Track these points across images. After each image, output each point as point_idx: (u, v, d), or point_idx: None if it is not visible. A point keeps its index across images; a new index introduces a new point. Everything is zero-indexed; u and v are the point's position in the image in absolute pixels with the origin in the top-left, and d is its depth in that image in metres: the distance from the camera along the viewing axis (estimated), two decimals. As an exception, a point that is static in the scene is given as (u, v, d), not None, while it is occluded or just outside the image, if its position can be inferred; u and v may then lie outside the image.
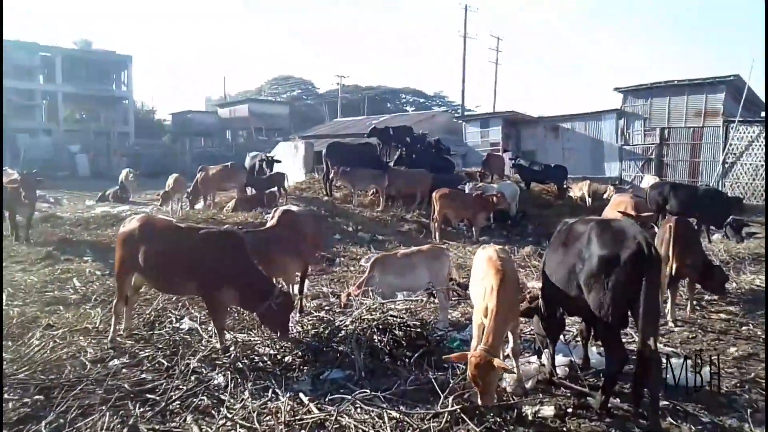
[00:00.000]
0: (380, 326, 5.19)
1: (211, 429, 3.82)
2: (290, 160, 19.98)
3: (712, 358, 5.42)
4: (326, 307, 6.88)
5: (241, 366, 4.83)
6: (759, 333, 6.31)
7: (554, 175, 19.95)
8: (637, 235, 3.87)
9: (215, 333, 5.43)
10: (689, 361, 4.74)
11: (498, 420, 3.88)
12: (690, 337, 6.18)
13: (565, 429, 3.80)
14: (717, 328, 6.53)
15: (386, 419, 3.80)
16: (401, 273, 6.24)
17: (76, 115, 47.82)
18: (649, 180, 19.95)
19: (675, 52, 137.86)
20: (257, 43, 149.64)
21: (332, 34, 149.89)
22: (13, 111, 37.45)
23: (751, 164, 22.84)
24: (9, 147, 31.82)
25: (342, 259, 10.60)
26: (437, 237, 12.82)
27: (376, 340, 5.06)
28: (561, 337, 5.23)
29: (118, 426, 3.87)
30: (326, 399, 4.17)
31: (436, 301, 6.62)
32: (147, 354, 5.34)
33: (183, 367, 4.86)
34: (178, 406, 4.22)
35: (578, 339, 5.32)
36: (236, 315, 6.31)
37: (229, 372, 4.69)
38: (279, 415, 3.91)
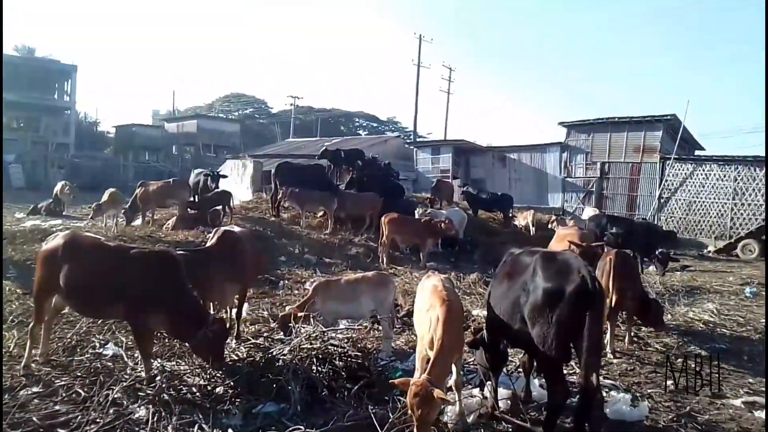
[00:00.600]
0: (320, 356, 4.97)
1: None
2: (238, 179, 19.51)
3: (647, 390, 5.53)
4: (265, 333, 6.57)
5: (166, 398, 4.47)
6: (693, 365, 6.46)
7: (501, 203, 20.37)
8: (581, 269, 3.86)
9: (141, 360, 5.05)
10: (628, 396, 4.75)
11: (438, 458, 3.73)
12: (629, 369, 6.26)
13: (505, 466, 3.68)
14: (654, 360, 6.64)
15: (321, 458, 3.58)
16: (345, 299, 6.05)
17: (13, 123, 45.36)
18: (589, 212, 20.70)
19: (617, 89, 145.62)
20: (210, 59, 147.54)
21: (287, 54, 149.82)
22: (-58, 118, 35.11)
23: (684, 200, 24.07)
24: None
25: (286, 282, 10.29)
26: (385, 261, 12.71)
27: (314, 371, 4.83)
28: (505, 368, 5.17)
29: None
30: (257, 435, 3.90)
31: (380, 329, 6.45)
32: (63, 383, 4.90)
33: (102, 398, 4.45)
34: (92, 442, 3.84)
35: (520, 371, 5.26)
36: (166, 341, 5.92)
37: (152, 405, 4.33)
38: (204, 453, 3.62)
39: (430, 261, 13.37)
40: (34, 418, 4.16)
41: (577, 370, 4.33)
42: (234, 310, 6.64)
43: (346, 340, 5.43)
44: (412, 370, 5.00)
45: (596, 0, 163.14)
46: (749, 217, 22.24)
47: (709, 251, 20.93)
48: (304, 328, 5.42)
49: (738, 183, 22.70)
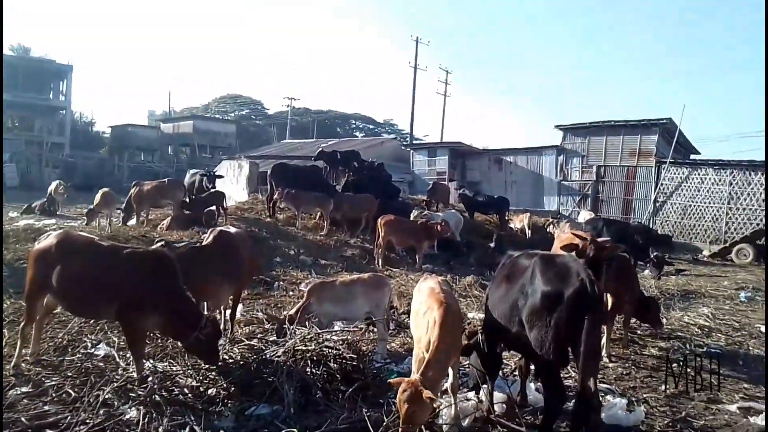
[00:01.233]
0: (314, 358, 4.91)
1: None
2: (233, 179, 19.44)
3: (643, 395, 5.50)
4: (259, 335, 6.51)
5: (157, 399, 4.40)
6: (688, 370, 6.44)
7: (497, 206, 20.37)
8: (580, 272, 3.82)
9: (133, 361, 4.98)
10: (624, 400, 4.71)
11: (433, 461, 3.68)
12: (624, 373, 6.23)
13: (501, 471, 3.64)
14: (649, 364, 6.62)
15: (314, 461, 3.53)
16: (339, 301, 6.00)
17: (8, 122, 45.13)
18: (585, 215, 20.71)
19: (615, 93, 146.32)
20: (207, 59, 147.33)
21: (285, 55, 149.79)
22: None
23: (680, 204, 24.15)
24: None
25: (281, 283, 10.23)
26: (380, 263, 12.66)
27: (308, 373, 4.77)
28: (499, 372, 5.13)
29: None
30: (249, 438, 3.84)
31: (375, 331, 6.40)
32: (53, 383, 4.81)
33: (92, 399, 4.38)
34: (81, 443, 3.77)
35: (516, 374, 5.22)
36: (159, 341, 5.85)
37: (142, 406, 4.26)
38: (195, 456, 3.55)
39: (426, 263, 13.33)
40: (23, 419, 4.08)
41: (575, 375, 4.29)
42: (228, 311, 6.57)
43: (341, 342, 5.37)
44: (407, 373, 4.94)
45: (594, 4, 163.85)
46: (744, 222, 22.33)
47: (704, 255, 20.98)
48: (298, 330, 5.35)
49: (733, 187, 22.79)
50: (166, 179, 15.13)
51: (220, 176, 17.40)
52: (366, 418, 4.04)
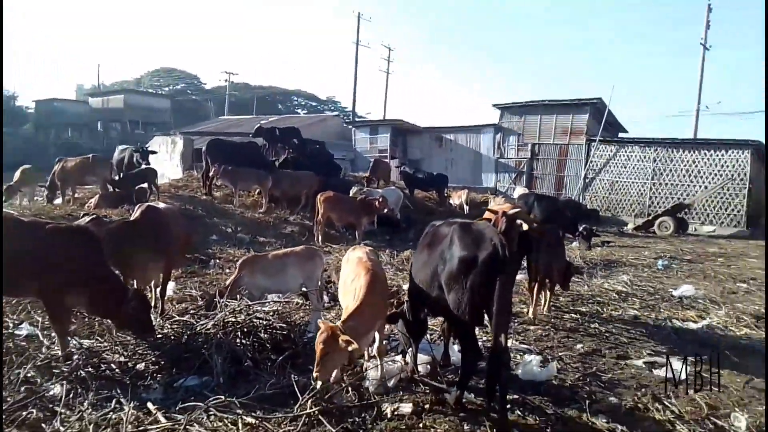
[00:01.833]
0: (244, 329, 4.98)
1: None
2: (167, 156, 18.83)
3: (559, 354, 5.91)
4: (192, 311, 6.49)
5: (83, 374, 4.37)
6: (603, 330, 6.94)
7: (436, 183, 20.80)
8: (493, 238, 4.06)
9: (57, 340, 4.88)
10: (539, 357, 5.06)
11: (356, 419, 3.87)
12: (544, 335, 6.64)
13: (421, 425, 3.86)
14: (568, 326, 7.08)
15: (241, 425, 3.63)
16: (271, 274, 6.06)
17: None
18: (519, 191, 21.47)
19: (549, 73, 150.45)
20: (138, 31, 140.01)
21: (222, 28, 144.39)
22: None
23: (608, 180, 25.40)
24: None
25: (218, 261, 10.13)
26: (320, 240, 12.73)
27: (238, 344, 4.84)
28: (428, 336, 5.39)
29: None
30: (177, 407, 3.89)
31: (309, 304, 6.51)
32: (-29, 364, 4.66)
33: (13, 377, 4.30)
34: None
35: (442, 339, 5.49)
36: (86, 319, 5.74)
37: (67, 382, 4.21)
38: (120, 426, 3.58)
39: (366, 239, 13.50)
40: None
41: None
42: (158, 289, 6.50)
43: (272, 314, 5.46)
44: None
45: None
46: (666, 196, 23.77)
47: (629, 228, 22.24)
48: (229, 303, 5.39)
49: (657, 164, 24.17)
50: (90, 155, 14.37)
51: (154, 152, 16.77)
52: (294, 383, 4.17)
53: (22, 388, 4.16)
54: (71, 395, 4.08)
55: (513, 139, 28.18)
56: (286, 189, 15.55)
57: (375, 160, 23.86)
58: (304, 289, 6.34)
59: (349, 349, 3.65)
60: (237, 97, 55.52)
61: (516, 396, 4.50)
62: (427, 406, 4.16)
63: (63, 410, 3.82)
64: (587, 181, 25.84)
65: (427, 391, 4.44)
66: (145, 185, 14.07)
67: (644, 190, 24.42)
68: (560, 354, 5.91)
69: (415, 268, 4.76)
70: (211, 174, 15.10)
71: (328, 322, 3.84)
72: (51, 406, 3.96)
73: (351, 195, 15.38)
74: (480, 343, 4.42)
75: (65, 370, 4.44)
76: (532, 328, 6.88)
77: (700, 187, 22.93)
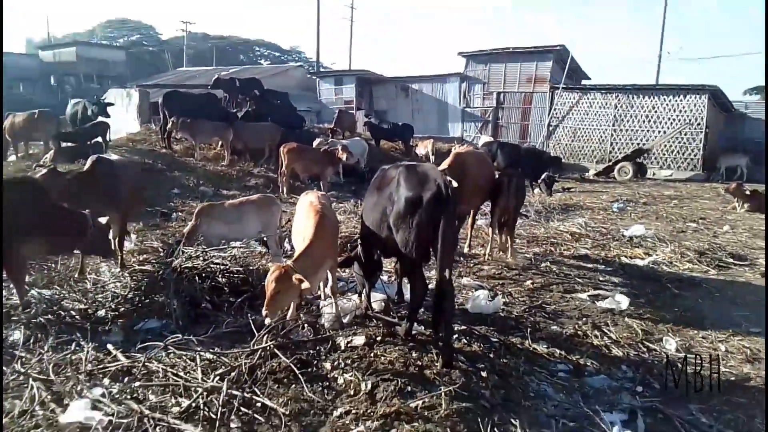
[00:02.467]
0: (202, 274, 5.10)
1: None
2: (123, 109, 18.27)
3: (509, 289, 6.23)
4: (153, 261, 6.56)
5: (42, 321, 4.45)
6: (554, 268, 7.29)
7: (401, 133, 20.83)
8: (437, 178, 4.22)
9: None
10: (488, 293, 5.35)
11: (311, 352, 4.08)
12: (497, 273, 6.96)
13: (372, 354, 4.10)
14: (521, 265, 7.42)
15: (198, 361, 3.80)
16: (228, 222, 6.14)
17: None
18: (484, 139, 21.68)
19: (517, 18, 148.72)
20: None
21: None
22: None
23: (570, 127, 25.78)
24: None
25: (180, 213, 10.12)
26: (285, 191, 12.76)
27: (196, 289, 4.96)
28: (384, 277, 5.60)
29: None
30: (137, 348, 4.04)
31: (268, 251, 6.64)
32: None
33: (-31, 329, 4.35)
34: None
35: (395, 278, 5.72)
36: (44, 270, 5.76)
37: (25, 328, 4.30)
38: (80, 365, 3.71)
39: (332, 190, 13.58)
40: None
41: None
42: (116, 240, 6.51)
43: (230, 259, 5.58)
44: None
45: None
46: (626, 142, 24.33)
47: (590, 174, 22.82)
48: (186, 250, 5.47)
49: (618, 110, 24.59)
50: (36, 111, 13.79)
51: (111, 104, 16.21)
52: (251, 321, 4.35)
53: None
54: (31, 340, 4.18)
55: (478, 88, 28.15)
56: (248, 141, 15.38)
57: (339, 111, 23.65)
58: (262, 236, 6.45)
59: (303, 287, 3.80)
60: (195, 48, 53.55)
61: (464, 327, 4.79)
62: (379, 338, 4.40)
63: (23, 353, 3.92)
64: (551, 129, 26.18)
65: (380, 326, 4.68)
66: (100, 139, 13.70)
67: (605, 137, 24.91)
68: (510, 290, 6.23)
69: (365, 211, 4.91)
70: (169, 127, 14.77)
71: (282, 264, 3.98)
72: (11, 350, 4.05)
73: (315, 146, 15.31)
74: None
75: (23, 317, 4.51)
76: (486, 267, 7.19)
77: (659, 132, 23.51)
